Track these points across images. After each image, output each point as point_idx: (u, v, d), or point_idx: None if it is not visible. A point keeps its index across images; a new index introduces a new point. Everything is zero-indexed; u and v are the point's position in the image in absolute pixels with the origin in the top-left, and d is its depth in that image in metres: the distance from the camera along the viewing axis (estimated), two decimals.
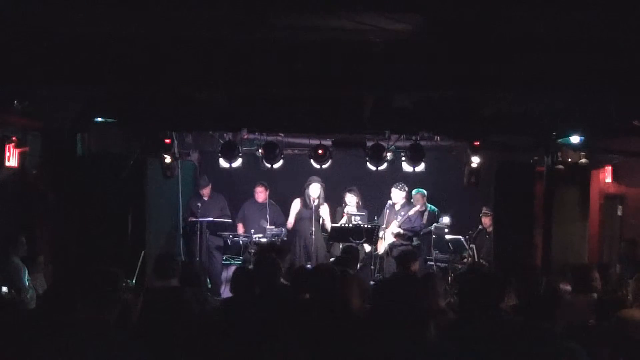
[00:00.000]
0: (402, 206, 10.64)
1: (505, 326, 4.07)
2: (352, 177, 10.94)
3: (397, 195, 10.60)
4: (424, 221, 10.90)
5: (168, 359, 3.81)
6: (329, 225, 10.52)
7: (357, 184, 10.85)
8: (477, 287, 4.13)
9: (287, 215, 10.76)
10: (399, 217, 10.56)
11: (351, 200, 10.67)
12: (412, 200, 10.86)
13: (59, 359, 3.60)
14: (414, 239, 10.79)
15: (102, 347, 3.61)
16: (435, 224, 10.90)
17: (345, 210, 10.64)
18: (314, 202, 10.36)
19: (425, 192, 11.01)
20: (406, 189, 10.66)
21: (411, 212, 10.57)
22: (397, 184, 10.61)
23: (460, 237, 10.81)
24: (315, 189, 10.42)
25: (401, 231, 10.49)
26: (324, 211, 10.56)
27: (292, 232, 10.65)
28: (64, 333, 3.66)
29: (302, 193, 10.57)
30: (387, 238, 10.51)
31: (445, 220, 10.94)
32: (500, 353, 3.84)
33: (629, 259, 7.91)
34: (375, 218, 10.73)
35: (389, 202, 10.66)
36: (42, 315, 3.87)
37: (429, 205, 11.12)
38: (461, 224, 11.04)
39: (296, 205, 10.63)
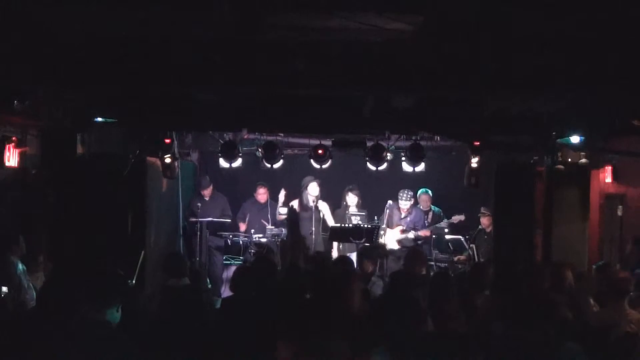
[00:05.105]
0: (409, 212, 10.63)
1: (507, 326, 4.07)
2: (352, 177, 10.93)
3: (406, 204, 10.59)
4: (429, 220, 10.90)
5: (183, 355, 3.83)
6: (330, 220, 10.52)
7: (357, 184, 10.83)
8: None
9: None
10: (404, 224, 10.58)
11: (352, 200, 10.66)
12: (417, 200, 10.86)
13: (60, 359, 3.60)
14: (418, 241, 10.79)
15: (103, 347, 3.62)
16: (436, 225, 10.90)
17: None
18: (314, 201, 10.35)
19: (430, 192, 11.00)
20: (412, 194, 10.64)
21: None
22: (404, 192, 10.55)
23: (460, 237, 10.82)
24: (314, 188, 10.43)
25: (405, 235, 10.50)
26: (324, 208, 10.55)
27: None
28: (64, 333, 3.66)
29: (299, 195, 10.56)
30: (388, 239, 10.48)
31: (459, 217, 10.90)
32: (501, 354, 3.84)
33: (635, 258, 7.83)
34: (376, 218, 10.70)
35: (389, 202, 10.63)
36: (42, 315, 3.86)
37: (433, 206, 11.11)
38: (461, 224, 11.04)
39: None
